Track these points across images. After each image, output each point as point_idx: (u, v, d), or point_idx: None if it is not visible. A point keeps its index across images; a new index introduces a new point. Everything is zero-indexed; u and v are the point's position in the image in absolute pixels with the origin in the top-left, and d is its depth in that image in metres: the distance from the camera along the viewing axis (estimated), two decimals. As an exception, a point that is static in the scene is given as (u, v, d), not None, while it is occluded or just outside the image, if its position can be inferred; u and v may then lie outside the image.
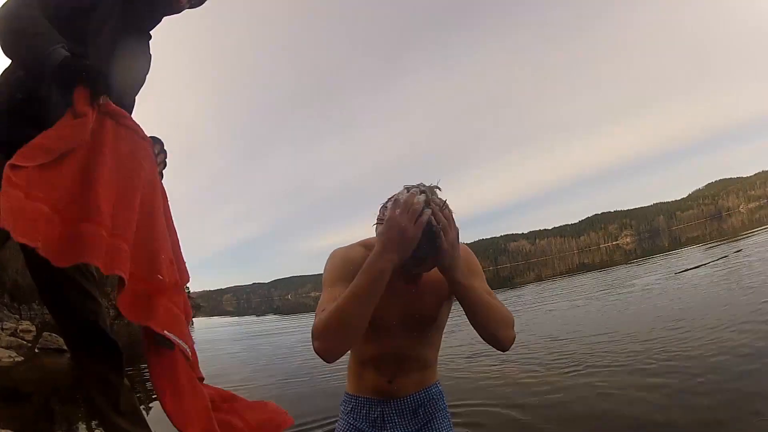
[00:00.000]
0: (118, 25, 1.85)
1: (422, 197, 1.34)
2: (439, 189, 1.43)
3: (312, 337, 1.37)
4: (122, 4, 1.85)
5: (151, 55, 2.10)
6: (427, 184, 1.43)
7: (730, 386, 3.25)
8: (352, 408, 1.81)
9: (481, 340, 1.50)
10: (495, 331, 1.47)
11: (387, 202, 1.48)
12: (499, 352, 1.56)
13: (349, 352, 1.86)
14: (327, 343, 1.35)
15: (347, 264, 1.56)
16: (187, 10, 2.02)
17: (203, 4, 2.05)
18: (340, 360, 1.41)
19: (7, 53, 1.57)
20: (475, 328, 1.49)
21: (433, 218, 1.33)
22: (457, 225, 1.41)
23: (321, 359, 1.36)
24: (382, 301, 1.55)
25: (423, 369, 1.79)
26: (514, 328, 1.54)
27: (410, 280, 1.58)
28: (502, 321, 1.49)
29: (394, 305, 1.61)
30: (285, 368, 7.21)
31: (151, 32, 2.06)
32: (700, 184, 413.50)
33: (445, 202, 1.42)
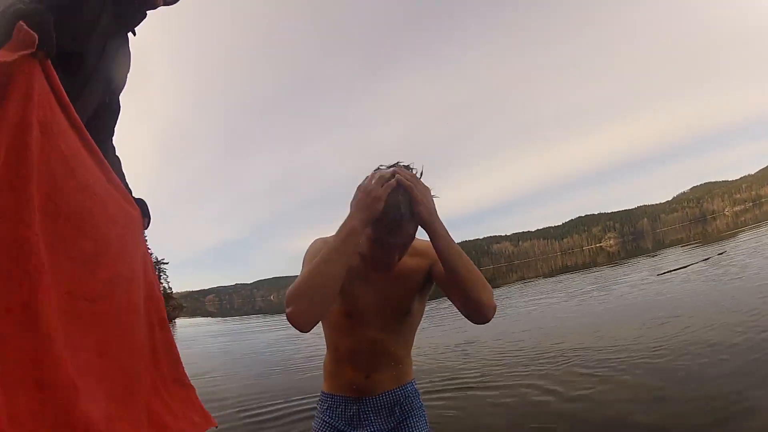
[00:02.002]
0: (108, 22, 1.83)
1: (390, 170, 1.45)
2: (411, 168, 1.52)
3: (285, 304, 1.35)
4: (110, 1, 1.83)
5: (130, 52, 2.08)
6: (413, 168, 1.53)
7: (711, 385, 3.28)
8: (328, 406, 1.80)
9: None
10: (478, 294, 1.42)
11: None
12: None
13: (325, 350, 1.87)
14: (299, 305, 1.32)
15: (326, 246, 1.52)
16: (162, 7, 2.02)
17: (178, 2, 2.05)
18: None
19: None
20: (455, 289, 1.46)
21: (401, 178, 1.42)
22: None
23: (295, 328, 1.34)
24: (357, 290, 1.61)
25: (397, 365, 1.79)
26: (493, 298, 1.48)
27: (383, 268, 1.56)
28: (484, 284, 1.45)
29: (369, 295, 1.65)
30: (264, 360, 7.38)
31: (134, 30, 2.03)
32: (685, 187, 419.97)
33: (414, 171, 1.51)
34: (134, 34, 2.05)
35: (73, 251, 1.32)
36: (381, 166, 1.53)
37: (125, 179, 2.01)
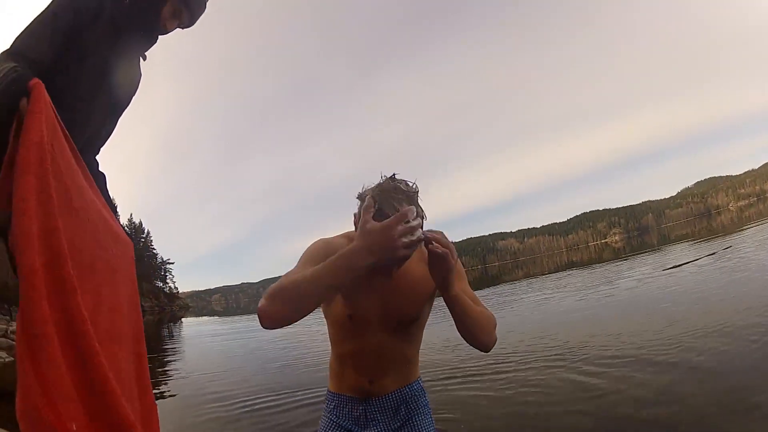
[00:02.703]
0: (112, 45, 1.87)
1: (417, 220, 1.25)
2: (416, 191, 1.50)
3: (263, 296, 1.33)
4: (115, 27, 1.87)
5: (141, 74, 2.12)
6: (410, 182, 1.51)
7: (717, 383, 3.26)
8: (335, 406, 1.80)
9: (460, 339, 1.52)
10: (481, 338, 1.50)
11: (365, 193, 1.53)
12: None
13: (330, 349, 1.87)
14: (272, 305, 1.30)
15: (327, 249, 1.52)
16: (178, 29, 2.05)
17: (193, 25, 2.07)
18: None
19: None
20: (462, 334, 1.50)
21: (436, 246, 1.33)
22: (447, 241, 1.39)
23: (259, 321, 1.31)
24: (360, 295, 1.60)
25: (403, 366, 1.78)
26: (496, 330, 1.55)
27: (387, 274, 1.58)
28: (488, 327, 1.51)
29: (374, 302, 1.63)
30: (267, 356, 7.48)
31: (145, 54, 2.07)
32: (690, 183, 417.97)
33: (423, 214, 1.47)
34: (144, 58, 2.08)
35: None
36: (365, 187, 1.52)
37: (109, 195, 2.01)
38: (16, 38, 1.66)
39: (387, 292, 1.63)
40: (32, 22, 1.71)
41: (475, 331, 1.48)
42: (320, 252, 1.52)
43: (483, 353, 1.78)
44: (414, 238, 1.23)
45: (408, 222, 1.21)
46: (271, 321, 1.30)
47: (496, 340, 1.55)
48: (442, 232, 1.36)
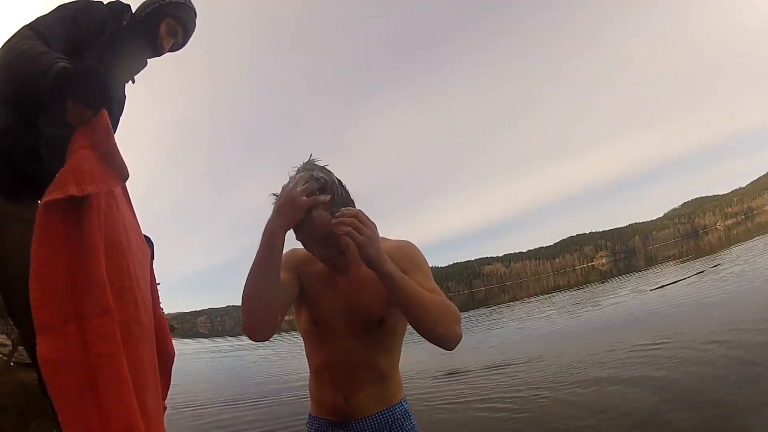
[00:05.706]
0: (108, 64, 1.86)
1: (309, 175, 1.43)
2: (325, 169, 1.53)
3: None
4: (114, 46, 1.89)
5: (125, 97, 2.13)
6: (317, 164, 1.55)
7: (710, 400, 3.25)
8: (315, 430, 1.73)
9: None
10: (434, 327, 1.42)
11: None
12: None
13: (309, 371, 1.81)
14: (245, 319, 1.42)
15: (292, 254, 1.66)
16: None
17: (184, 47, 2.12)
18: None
19: (9, 76, 1.55)
20: (413, 326, 1.45)
21: (344, 220, 1.36)
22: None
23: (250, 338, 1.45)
24: (322, 295, 1.61)
25: (380, 382, 1.70)
26: (460, 325, 1.48)
27: (345, 272, 1.59)
28: (442, 315, 1.43)
29: (335, 300, 1.61)
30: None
31: (134, 77, 2.10)
32: (676, 204, 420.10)
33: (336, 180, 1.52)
34: (133, 81, 2.10)
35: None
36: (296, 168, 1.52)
37: None
38: (40, 20, 1.65)
39: (349, 293, 1.61)
40: (53, 13, 1.71)
41: (425, 318, 1.40)
42: (286, 257, 1.60)
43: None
44: (312, 196, 1.39)
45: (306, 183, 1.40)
46: (252, 333, 1.44)
47: (459, 335, 1.46)
48: (360, 210, 1.40)
